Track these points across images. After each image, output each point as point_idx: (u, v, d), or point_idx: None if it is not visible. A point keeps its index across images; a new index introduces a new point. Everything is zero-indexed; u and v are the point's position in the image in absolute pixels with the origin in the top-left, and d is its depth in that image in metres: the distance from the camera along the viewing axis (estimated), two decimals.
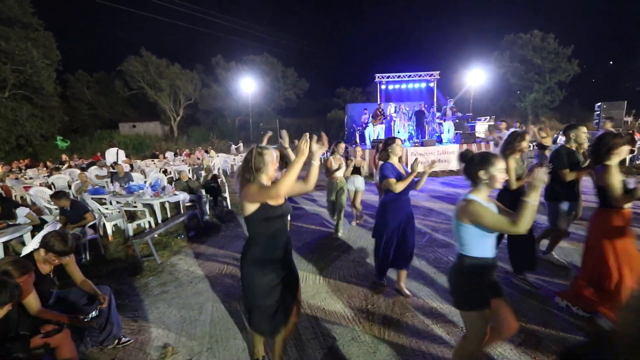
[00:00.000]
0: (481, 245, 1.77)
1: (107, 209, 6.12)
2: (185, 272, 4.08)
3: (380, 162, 3.14)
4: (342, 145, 5.17)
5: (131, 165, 12.51)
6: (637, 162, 9.82)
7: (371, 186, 7.20)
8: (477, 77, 18.03)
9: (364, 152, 7.32)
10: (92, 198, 5.95)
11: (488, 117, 13.85)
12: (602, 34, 39.71)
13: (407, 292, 3.21)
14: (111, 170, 8.48)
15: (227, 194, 7.44)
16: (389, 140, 3.13)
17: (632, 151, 9.94)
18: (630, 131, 10.59)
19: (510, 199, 2.66)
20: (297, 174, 1.77)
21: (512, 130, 3.67)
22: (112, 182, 7.12)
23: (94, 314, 2.40)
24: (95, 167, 10.49)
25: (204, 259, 4.50)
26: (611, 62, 41.44)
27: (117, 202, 6.09)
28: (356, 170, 5.32)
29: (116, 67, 28.73)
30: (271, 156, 1.96)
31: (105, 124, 31.01)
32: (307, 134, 1.83)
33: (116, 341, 2.65)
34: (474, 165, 1.81)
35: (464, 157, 1.90)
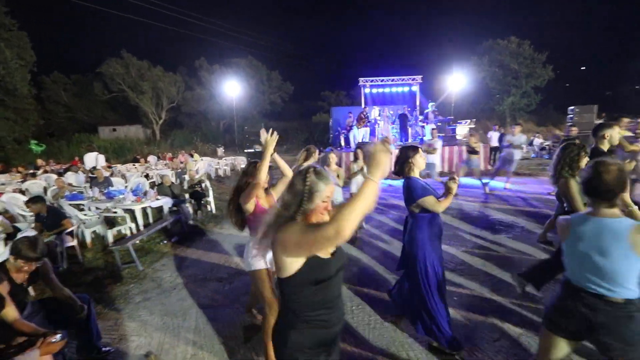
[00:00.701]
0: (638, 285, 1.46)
1: (85, 215, 5.93)
2: (169, 279, 4.00)
3: (402, 179, 2.50)
4: (315, 154, 3.99)
5: (111, 170, 12.17)
6: None
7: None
8: (457, 81, 18.52)
9: (347, 157, 7.41)
10: (69, 204, 5.77)
11: (469, 120, 14.23)
12: (574, 41, 41.66)
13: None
14: (90, 175, 8.20)
15: (211, 198, 7.35)
16: (410, 150, 2.45)
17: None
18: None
19: None
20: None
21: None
22: (91, 187, 6.91)
23: (58, 337, 2.21)
24: (70, 172, 10.14)
25: (188, 264, 4.43)
26: (583, 68, 43.49)
27: (97, 208, 5.92)
28: None
29: (95, 69, 27.89)
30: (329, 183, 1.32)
31: (84, 127, 29.99)
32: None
33: (95, 351, 2.58)
34: (622, 178, 1.47)
35: (603, 169, 1.49)
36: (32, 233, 4.25)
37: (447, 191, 2.36)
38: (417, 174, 2.48)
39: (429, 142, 8.31)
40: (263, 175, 2.24)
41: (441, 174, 8.45)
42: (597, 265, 1.47)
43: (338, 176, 4.36)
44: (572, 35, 41.67)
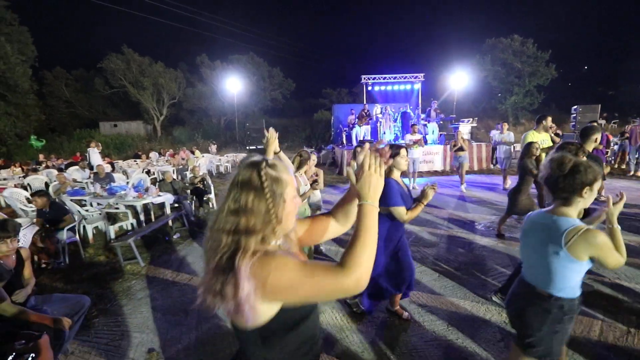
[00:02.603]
0: (577, 284, 1.52)
1: (87, 210, 5.93)
2: (170, 275, 4.00)
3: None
4: (311, 159, 3.78)
5: (112, 165, 12.17)
6: (612, 162, 10.27)
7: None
8: (460, 79, 18.43)
9: (349, 155, 7.43)
10: (71, 199, 5.76)
11: (471, 119, 14.16)
12: (578, 41, 41.42)
13: (406, 314, 2.85)
14: (90, 170, 8.21)
15: (212, 195, 7.34)
16: (393, 149, 2.37)
17: (605, 153, 10.39)
18: (605, 133, 11.06)
19: None
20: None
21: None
22: (92, 183, 6.91)
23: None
24: (76, 167, 10.14)
25: (189, 260, 4.43)
26: (586, 67, 43.26)
27: (98, 204, 5.91)
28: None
29: (96, 65, 27.85)
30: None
31: (85, 123, 30.00)
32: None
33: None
34: (580, 176, 1.43)
35: (558, 164, 1.47)
36: (34, 228, 4.26)
37: (422, 198, 2.31)
38: (398, 176, 2.45)
39: (410, 138, 8.35)
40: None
41: (442, 172, 8.42)
42: (535, 259, 1.59)
43: (317, 177, 3.89)
44: (575, 34, 41.46)
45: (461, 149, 7.69)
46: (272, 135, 2.17)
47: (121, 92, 29.05)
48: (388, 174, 2.33)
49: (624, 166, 9.89)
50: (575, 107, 11.44)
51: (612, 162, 10.29)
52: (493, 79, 27.07)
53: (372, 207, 0.93)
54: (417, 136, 8.36)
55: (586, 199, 1.46)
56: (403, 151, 2.42)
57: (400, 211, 2.31)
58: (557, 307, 1.51)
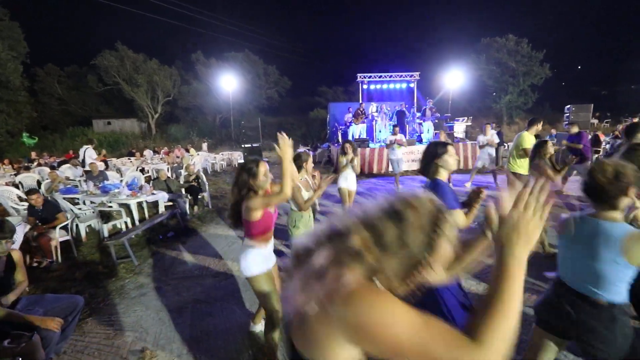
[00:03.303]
0: (626, 290, 1.47)
1: (80, 209, 5.87)
2: (164, 274, 3.98)
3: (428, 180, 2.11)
4: (309, 161, 3.45)
5: (106, 164, 12.05)
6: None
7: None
8: (455, 78, 18.48)
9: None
10: (64, 198, 5.70)
11: (466, 118, 14.24)
12: (572, 41, 41.82)
13: None
14: (83, 168, 8.11)
15: (207, 193, 7.31)
16: (438, 147, 2.07)
17: (597, 151, 10.53)
18: (596, 132, 11.21)
19: None
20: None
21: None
22: (85, 181, 6.84)
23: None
24: (69, 165, 10.02)
25: (183, 259, 4.41)
26: (579, 67, 43.72)
27: (91, 202, 5.86)
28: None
29: (89, 61, 27.51)
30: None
31: (78, 120, 29.64)
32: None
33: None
34: (625, 178, 1.42)
35: (602, 172, 1.45)
36: (26, 227, 4.22)
37: (473, 202, 2.02)
38: (445, 177, 2.10)
39: (395, 138, 8.19)
40: (288, 189, 2.04)
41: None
42: (586, 266, 1.49)
43: (314, 177, 3.64)
44: (569, 34, 41.86)
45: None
46: (287, 143, 2.13)
47: (115, 89, 28.71)
48: (434, 174, 2.06)
49: None
50: (568, 106, 11.57)
51: None
52: (488, 78, 27.23)
53: (520, 264, 0.69)
54: (398, 136, 8.24)
55: (630, 198, 1.47)
56: (451, 149, 2.08)
57: (460, 215, 1.92)
58: (621, 313, 1.45)
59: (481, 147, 8.36)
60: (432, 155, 2.06)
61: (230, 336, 2.72)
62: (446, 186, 2.00)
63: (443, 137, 7.72)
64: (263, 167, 2.14)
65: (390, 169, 8.29)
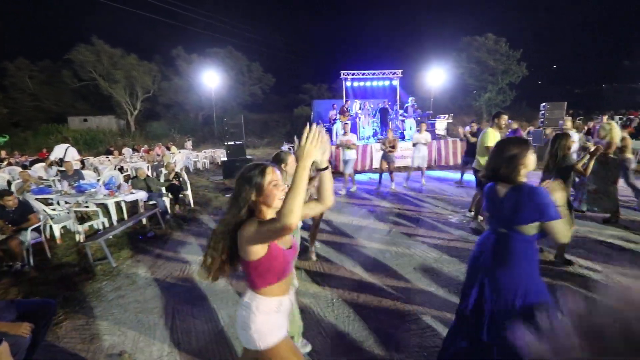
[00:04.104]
0: None
1: (54, 210, 5.65)
2: (144, 275, 3.89)
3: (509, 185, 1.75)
4: (288, 161, 2.79)
5: (82, 162, 11.62)
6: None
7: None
8: (437, 76, 18.84)
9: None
10: (36, 198, 5.47)
11: (447, 115, 14.54)
12: (547, 40, 43.27)
13: None
14: (55, 167, 7.77)
15: (189, 192, 7.17)
16: (517, 145, 1.75)
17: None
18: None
19: None
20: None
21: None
22: (59, 180, 6.58)
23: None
24: (42, 164, 9.60)
25: (164, 260, 4.32)
26: (554, 66, 45.29)
27: (66, 203, 5.65)
28: None
29: (63, 56, 26.37)
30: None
31: (52, 117, 28.39)
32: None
33: None
34: None
35: None
36: None
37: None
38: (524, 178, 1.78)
39: (344, 138, 7.76)
40: (292, 217, 1.18)
41: (417, 167, 8.48)
42: None
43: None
44: (545, 34, 43.27)
45: (393, 147, 7.56)
46: (315, 138, 1.29)
47: (91, 85, 27.66)
48: (516, 176, 1.73)
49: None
50: (543, 104, 11.96)
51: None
52: (469, 77, 27.83)
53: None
54: (350, 136, 7.82)
55: None
56: (530, 147, 1.77)
57: (562, 225, 1.62)
58: None
59: (414, 145, 8.18)
60: (515, 156, 1.71)
61: (212, 338, 2.69)
62: (543, 191, 1.65)
63: (391, 137, 7.62)
64: (271, 176, 1.41)
65: (342, 168, 8.07)
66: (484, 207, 1.90)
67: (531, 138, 10.82)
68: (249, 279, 1.47)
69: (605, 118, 10.14)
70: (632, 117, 15.04)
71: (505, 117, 4.60)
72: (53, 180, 7.60)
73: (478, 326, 1.74)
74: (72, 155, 7.68)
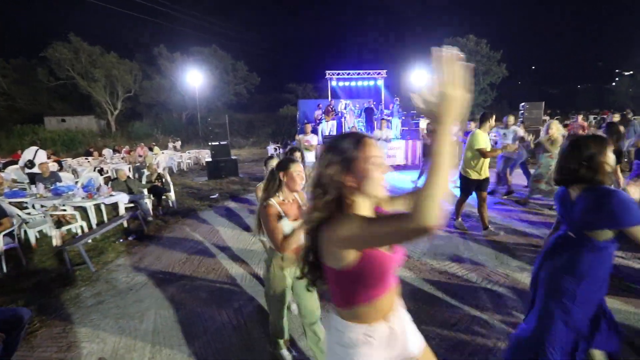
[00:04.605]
0: None
1: (29, 213, 5.43)
2: (125, 280, 3.79)
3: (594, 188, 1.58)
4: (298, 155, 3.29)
5: (60, 164, 11.22)
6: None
7: None
8: (421, 76, 19.06)
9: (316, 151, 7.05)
10: (9, 202, 5.24)
11: None
12: (526, 42, 44.60)
13: None
14: (27, 170, 7.46)
15: (172, 193, 7.03)
16: (596, 142, 1.60)
17: None
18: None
19: None
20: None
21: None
22: (34, 183, 6.33)
23: None
24: (16, 167, 9.18)
25: (146, 263, 4.22)
26: (533, 67, 46.75)
27: (42, 206, 5.44)
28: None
29: (39, 54, 25.37)
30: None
31: (27, 117, 27.26)
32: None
33: None
34: None
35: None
36: None
37: None
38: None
39: (304, 138, 7.28)
40: (445, 186, 0.74)
41: (404, 166, 8.62)
42: None
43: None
44: (523, 36, 44.60)
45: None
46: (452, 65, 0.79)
47: (69, 84, 26.74)
48: (601, 178, 1.56)
49: None
50: (522, 104, 12.34)
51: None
52: None
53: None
54: (310, 137, 7.15)
55: None
56: (609, 143, 1.62)
57: None
58: None
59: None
60: (594, 154, 1.56)
61: (196, 342, 2.64)
62: (626, 194, 1.51)
63: (384, 127, 7.54)
64: (371, 149, 0.99)
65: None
66: (557, 209, 1.81)
67: None
68: (337, 294, 1.07)
69: (580, 117, 10.53)
70: (605, 116, 15.68)
71: (493, 117, 4.45)
72: (27, 183, 7.30)
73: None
74: (41, 157, 7.35)
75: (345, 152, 0.97)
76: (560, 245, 1.68)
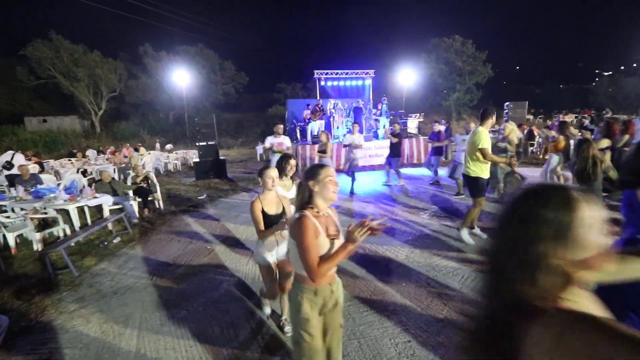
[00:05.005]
0: None
1: (8, 217, 5.27)
2: (109, 283, 3.71)
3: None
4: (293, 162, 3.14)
5: (41, 166, 10.90)
6: (537, 154, 11.50)
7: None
8: (408, 76, 19.28)
9: (304, 150, 7.01)
10: None
11: (418, 114, 14.93)
12: (511, 43, 45.57)
13: None
14: (5, 172, 7.23)
15: (159, 195, 6.92)
16: None
17: (531, 144, 11.60)
18: (531, 127, 12.35)
19: None
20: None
21: None
22: (13, 185, 6.14)
23: None
24: None
25: (131, 266, 4.14)
26: (517, 68, 47.80)
27: (22, 209, 5.28)
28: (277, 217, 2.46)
29: (17, 52, 24.53)
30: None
31: (6, 118, 26.33)
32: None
33: None
34: None
35: None
36: None
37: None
38: None
39: (275, 140, 6.68)
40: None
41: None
42: None
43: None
44: (508, 37, 45.57)
45: (324, 151, 6.87)
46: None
47: (51, 84, 25.91)
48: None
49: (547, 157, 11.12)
50: (507, 103, 12.62)
51: (537, 153, 11.53)
52: (438, 77, 28.74)
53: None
54: (282, 138, 6.72)
55: None
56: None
57: None
58: None
59: (345, 146, 7.70)
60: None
61: (182, 345, 2.61)
62: None
63: (324, 139, 6.99)
64: (589, 212, 0.69)
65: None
66: (623, 213, 1.70)
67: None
68: None
69: (561, 116, 10.82)
70: (585, 115, 16.16)
71: (495, 114, 4.22)
72: (6, 186, 7.07)
73: None
74: (19, 160, 7.11)
75: (555, 219, 0.67)
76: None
